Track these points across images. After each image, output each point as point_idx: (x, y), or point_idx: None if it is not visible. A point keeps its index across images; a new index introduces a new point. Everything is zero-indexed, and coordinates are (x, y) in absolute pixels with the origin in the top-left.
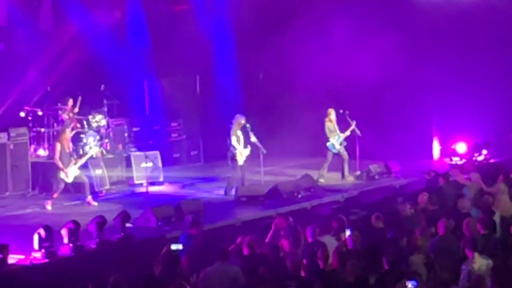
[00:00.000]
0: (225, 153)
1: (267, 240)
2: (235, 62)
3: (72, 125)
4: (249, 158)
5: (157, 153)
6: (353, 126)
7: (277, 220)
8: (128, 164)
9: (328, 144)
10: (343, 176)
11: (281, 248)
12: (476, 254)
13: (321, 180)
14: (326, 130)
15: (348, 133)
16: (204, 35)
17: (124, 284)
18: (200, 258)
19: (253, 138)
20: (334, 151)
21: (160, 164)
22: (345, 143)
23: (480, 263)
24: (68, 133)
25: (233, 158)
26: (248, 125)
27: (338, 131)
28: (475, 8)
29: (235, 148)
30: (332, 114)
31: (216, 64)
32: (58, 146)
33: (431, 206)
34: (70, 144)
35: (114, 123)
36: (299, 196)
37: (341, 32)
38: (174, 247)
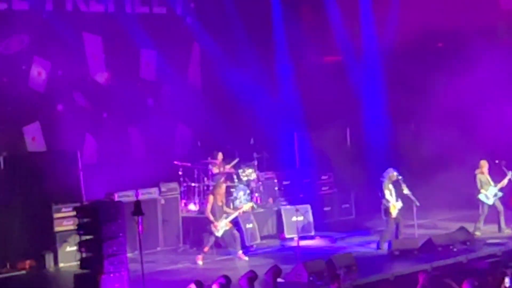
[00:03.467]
0: (376, 206)
1: None
2: (386, 114)
3: (223, 179)
4: (401, 211)
5: (307, 206)
6: (508, 177)
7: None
8: (279, 218)
9: (480, 196)
10: (499, 229)
11: None
12: None
13: (477, 233)
14: (478, 182)
15: (504, 182)
16: (354, 87)
17: None
18: None
19: (405, 191)
20: (488, 202)
21: (311, 218)
22: (500, 194)
23: None
24: (223, 187)
25: (387, 212)
26: (400, 177)
27: (491, 183)
28: None
29: (388, 202)
30: (484, 166)
31: (367, 116)
32: (211, 198)
33: None
34: (224, 199)
35: (264, 177)
36: (455, 249)
37: (491, 72)
38: None
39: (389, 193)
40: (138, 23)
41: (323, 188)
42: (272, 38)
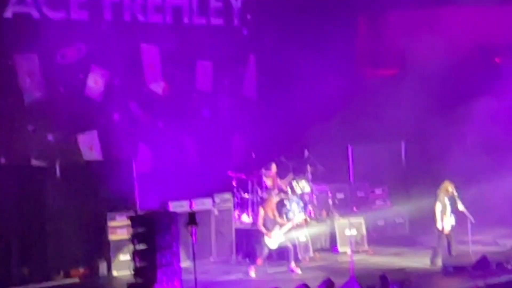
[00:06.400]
0: (431, 222)
1: None
2: (442, 128)
3: (276, 191)
4: (456, 227)
5: (361, 220)
6: None
7: None
8: (332, 231)
9: None
10: None
11: None
12: None
13: None
14: None
15: None
16: (410, 101)
17: None
18: None
19: (460, 207)
20: None
21: (364, 232)
22: None
23: None
24: (274, 200)
25: (437, 226)
26: (455, 193)
27: None
28: None
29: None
30: None
31: (422, 130)
32: (261, 211)
33: None
34: (275, 211)
35: (318, 190)
36: (509, 267)
37: None
38: None
39: (440, 207)
40: (195, 34)
41: (377, 202)
42: (327, 50)
